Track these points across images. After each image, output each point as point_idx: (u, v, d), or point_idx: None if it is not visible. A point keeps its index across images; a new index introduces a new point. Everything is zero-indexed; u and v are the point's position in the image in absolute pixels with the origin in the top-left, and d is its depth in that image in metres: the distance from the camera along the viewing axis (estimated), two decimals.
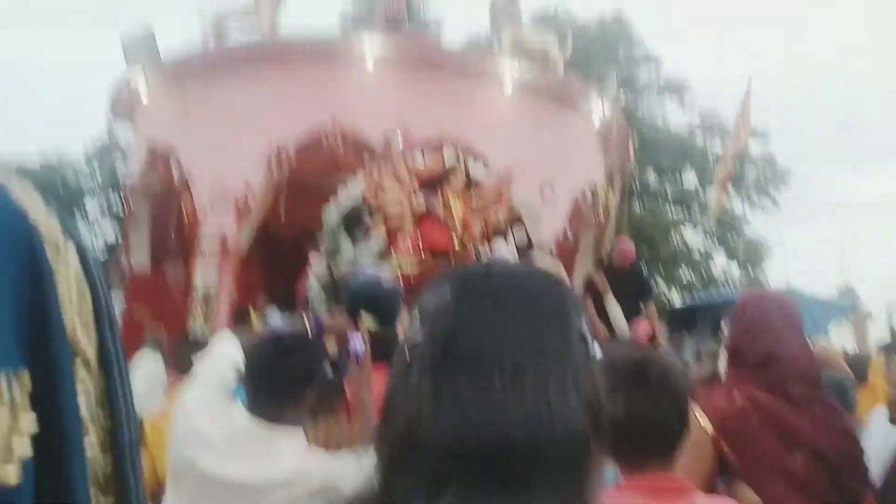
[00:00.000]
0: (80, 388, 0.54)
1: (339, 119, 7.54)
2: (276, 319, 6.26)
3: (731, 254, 17.47)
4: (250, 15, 8.52)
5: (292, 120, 7.71)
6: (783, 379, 1.87)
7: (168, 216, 8.74)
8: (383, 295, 5.63)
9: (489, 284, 0.67)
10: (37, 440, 0.47)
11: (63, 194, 19.16)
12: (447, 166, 7.12)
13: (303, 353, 1.84)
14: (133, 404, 0.61)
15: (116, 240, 15.30)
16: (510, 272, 0.71)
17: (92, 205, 20.00)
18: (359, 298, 5.67)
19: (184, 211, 8.25)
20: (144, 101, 8.97)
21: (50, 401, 0.49)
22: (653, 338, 5.27)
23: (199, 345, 3.54)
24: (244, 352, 1.92)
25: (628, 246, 7.00)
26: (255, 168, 7.76)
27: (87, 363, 0.55)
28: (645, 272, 7.31)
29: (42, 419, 0.48)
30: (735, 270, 17.21)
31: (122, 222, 10.66)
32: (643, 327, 5.34)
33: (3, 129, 34.82)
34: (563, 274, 6.79)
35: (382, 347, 4.01)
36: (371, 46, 7.78)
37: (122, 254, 9.85)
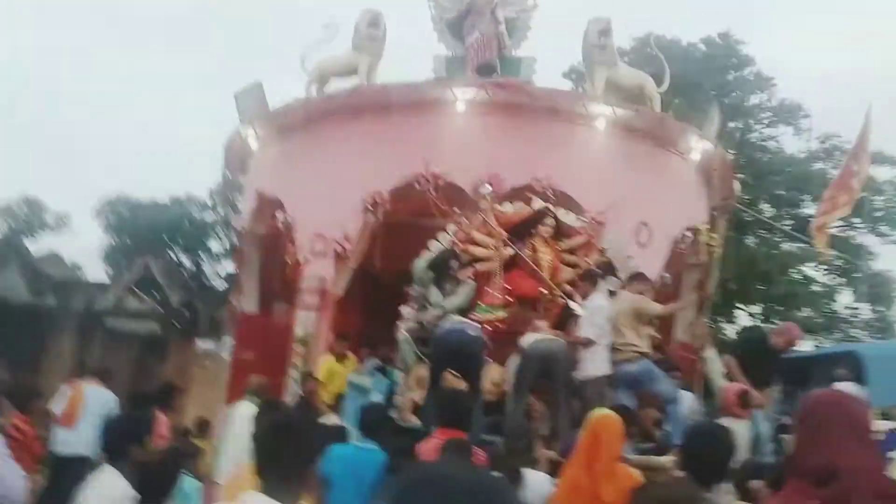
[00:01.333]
0: None
1: (431, 165, 7.73)
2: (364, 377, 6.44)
3: (856, 291, 16.18)
4: (349, 64, 8.95)
5: (388, 167, 7.98)
6: (846, 498, 1.68)
7: (274, 261, 9.20)
8: (468, 351, 5.69)
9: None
10: None
11: (189, 227, 20.79)
12: (536, 213, 7.09)
13: (302, 436, 1.99)
14: None
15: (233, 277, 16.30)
16: (452, 484, 0.72)
17: (215, 240, 21.43)
18: (443, 355, 5.76)
19: (287, 256, 8.66)
20: (254, 150, 9.60)
21: None
22: (744, 400, 4.96)
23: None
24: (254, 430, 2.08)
25: (796, 333, 6.47)
26: (352, 214, 8.07)
27: None
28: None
29: None
30: (863, 309, 15.88)
31: (234, 264, 11.34)
32: (735, 389, 5.05)
33: (141, 173, 38.52)
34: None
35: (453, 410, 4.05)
36: (463, 93, 7.94)
37: (234, 295, 10.47)
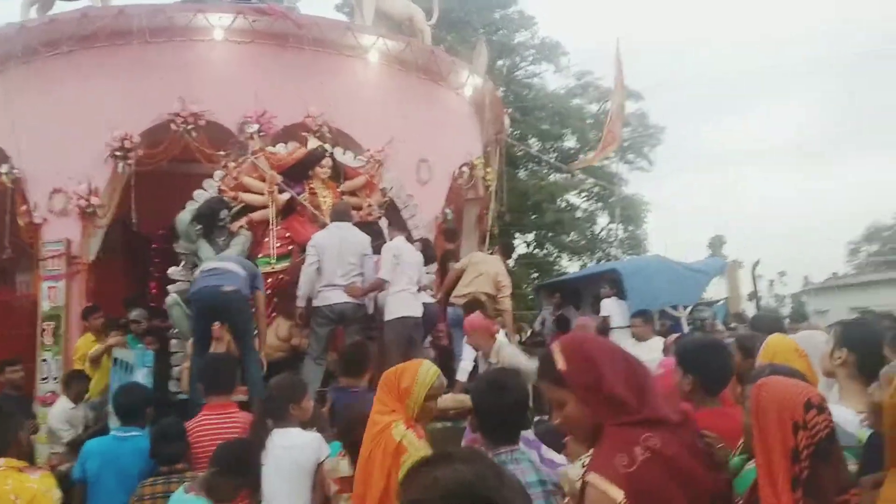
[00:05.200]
0: None
1: (188, 102, 6.86)
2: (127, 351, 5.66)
3: (612, 214, 18.02)
4: None
5: (136, 105, 6.95)
6: (664, 417, 1.60)
7: (5, 225, 7.72)
8: (225, 308, 5.08)
9: None
10: None
11: None
12: (312, 152, 6.63)
13: None
14: None
15: None
16: None
17: None
18: (200, 314, 5.14)
19: (20, 217, 7.29)
20: None
21: None
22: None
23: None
24: None
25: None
26: (98, 163, 6.96)
27: None
28: None
29: None
30: (617, 230, 17.78)
31: None
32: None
33: None
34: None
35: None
36: (220, 20, 7.09)
37: None
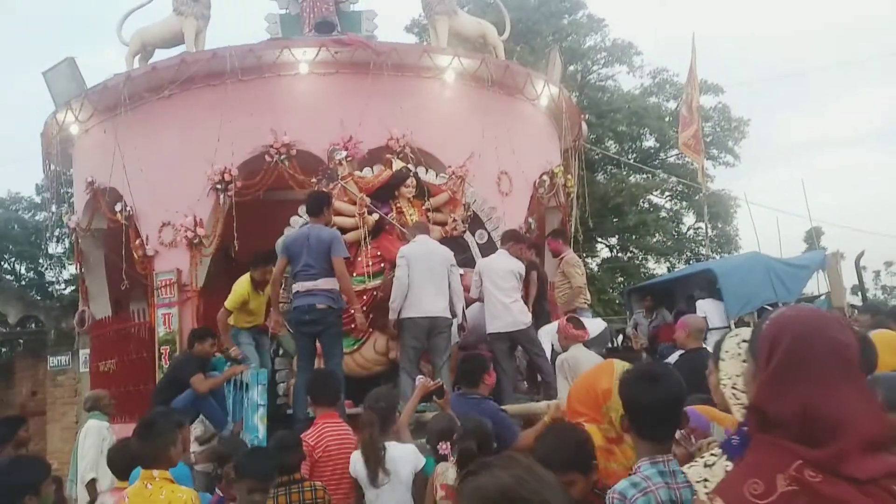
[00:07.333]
0: None
1: (280, 133, 7.30)
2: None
3: (698, 213, 17.50)
4: (173, 31, 8.15)
5: (232, 140, 7.40)
6: (841, 450, 1.17)
7: (121, 258, 8.40)
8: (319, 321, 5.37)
9: None
10: None
11: (20, 231, 18.56)
12: (396, 173, 6.88)
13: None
14: None
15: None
16: None
17: (54, 242, 19.31)
18: (302, 327, 5.45)
19: (134, 251, 7.92)
20: (75, 136, 8.63)
21: None
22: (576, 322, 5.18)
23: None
24: None
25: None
26: (201, 196, 7.49)
27: None
28: None
29: None
30: (705, 228, 17.24)
31: (77, 267, 10.26)
32: (564, 319, 5.22)
33: None
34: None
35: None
36: (304, 54, 7.51)
37: (83, 301, 9.51)
